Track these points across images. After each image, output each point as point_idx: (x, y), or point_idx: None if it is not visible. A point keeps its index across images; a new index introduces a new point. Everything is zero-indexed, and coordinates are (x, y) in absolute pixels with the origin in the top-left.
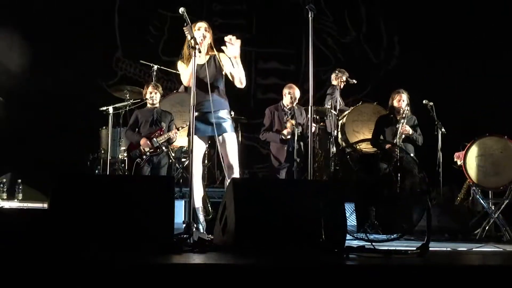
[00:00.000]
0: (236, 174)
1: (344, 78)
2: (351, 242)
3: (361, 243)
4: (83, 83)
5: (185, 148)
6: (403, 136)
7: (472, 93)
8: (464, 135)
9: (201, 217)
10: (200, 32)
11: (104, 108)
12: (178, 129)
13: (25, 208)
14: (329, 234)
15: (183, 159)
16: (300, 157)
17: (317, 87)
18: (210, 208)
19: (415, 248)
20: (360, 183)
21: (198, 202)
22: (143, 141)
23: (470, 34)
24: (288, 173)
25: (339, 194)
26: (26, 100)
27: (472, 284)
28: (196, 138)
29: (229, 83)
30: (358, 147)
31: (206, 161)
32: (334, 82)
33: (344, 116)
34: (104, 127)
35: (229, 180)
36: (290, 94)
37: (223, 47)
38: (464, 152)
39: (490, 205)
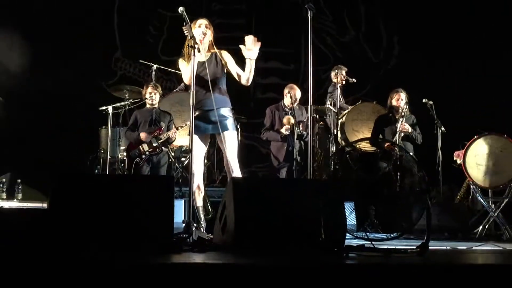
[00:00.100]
0: (237, 173)
1: (343, 73)
2: (351, 241)
3: (361, 242)
4: (82, 83)
5: (184, 148)
6: (402, 134)
7: (471, 92)
8: (463, 134)
9: (201, 216)
10: (201, 29)
11: (104, 107)
12: (177, 129)
13: (24, 208)
14: (328, 233)
15: (182, 159)
16: (300, 156)
17: (317, 86)
18: (209, 208)
19: (415, 247)
20: (360, 182)
21: (199, 202)
22: (143, 135)
23: (470, 34)
24: (288, 173)
25: (339, 193)
26: (25, 100)
27: (472, 283)
28: (197, 137)
29: (230, 82)
30: (357, 146)
31: (205, 160)
32: (334, 80)
33: (344, 115)
34: (103, 127)
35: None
36: (290, 95)
37: (241, 46)
38: (463, 151)
39: (490, 204)
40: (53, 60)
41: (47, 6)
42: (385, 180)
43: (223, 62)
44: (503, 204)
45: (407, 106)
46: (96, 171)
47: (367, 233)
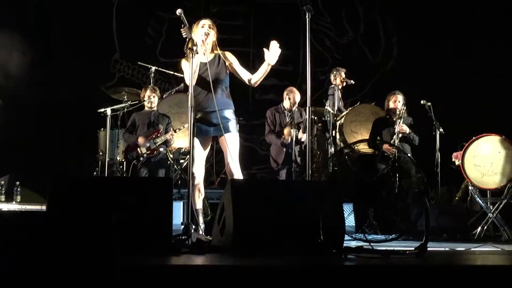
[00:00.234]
0: (237, 175)
1: (343, 75)
2: (350, 242)
3: (360, 243)
4: (81, 85)
5: (183, 150)
6: (400, 135)
7: (470, 93)
8: (462, 135)
9: (200, 218)
10: (204, 30)
11: (102, 109)
12: (175, 131)
13: (23, 210)
14: (327, 235)
15: (181, 161)
16: (300, 157)
17: (315, 88)
18: (208, 209)
19: (413, 248)
20: (358, 184)
21: (199, 204)
22: (141, 140)
23: (469, 34)
24: (288, 174)
25: (338, 194)
26: (24, 102)
27: (471, 284)
28: (198, 139)
29: (231, 83)
30: (356, 147)
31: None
32: (333, 82)
33: (342, 116)
34: (102, 129)
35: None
36: (289, 98)
37: (265, 49)
38: (462, 152)
39: (488, 205)
40: (52, 62)
41: (45, 8)
42: (384, 182)
43: (227, 63)
44: (501, 205)
45: (405, 107)
46: (95, 173)
47: (366, 235)
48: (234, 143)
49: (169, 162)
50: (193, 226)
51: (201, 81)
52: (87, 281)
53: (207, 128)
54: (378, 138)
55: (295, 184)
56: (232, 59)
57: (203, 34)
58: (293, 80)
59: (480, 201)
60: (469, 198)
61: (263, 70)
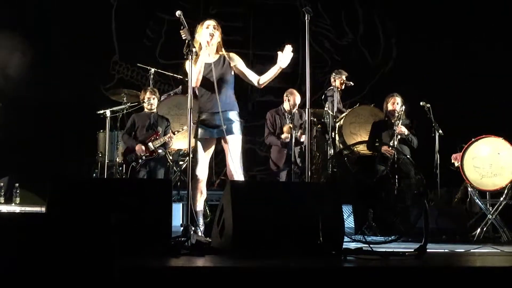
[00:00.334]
0: (239, 178)
1: (344, 78)
2: (349, 244)
3: (359, 245)
4: (80, 87)
5: (183, 151)
6: (399, 137)
7: (469, 94)
8: (461, 136)
9: (201, 220)
10: (209, 31)
11: (102, 111)
12: (174, 133)
13: (22, 212)
14: (326, 236)
15: (180, 162)
16: (300, 158)
17: (314, 89)
18: (207, 211)
19: (412, 250)
20: (358, 185)
21: (200, 205)
22: (138, 147)
23: (469, 35)
24: (288, 176)
25: (337, 196)
26: (24, 103)
27: (470, 286)
28: (202, 141)
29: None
30: (355, 149)
31: None
32: (333, 84)
33: (342, 118)
34: (101, 131)
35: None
36: (289, 100)
37: (279, 52)
38: (461, 153)
39: (488, 206)
40: (52, 62)
41: (45, 7)
42: (383, 183)
43: (232, 64)
44: (501, 207)
45: (403, 108)
46: (94, 175)
47: (365, 236)
48: (236, 145)
49: (168, 163)
50: (193, 228)
51: (206, 82)
52: (87, 282)
53: (210, 129)
54: (377, 140)
55: (294, 186)
56: (237, 61)
57: (208, 34)
58: (292, 82)
59: (479, 202)
60: (468, 199)
61: (273, 72)
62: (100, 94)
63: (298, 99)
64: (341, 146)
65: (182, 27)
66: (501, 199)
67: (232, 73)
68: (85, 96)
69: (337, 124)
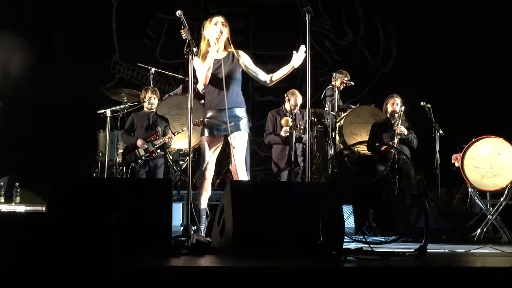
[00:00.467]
0: (242, 176)
1: (345, 80)
2: (349, 244)
3: (359, 245)
4: (80, 86)
5: (183, 151)
6: (399, 137)
7: (469, 94)
8: (461, 136)
9: (204, 218)
10: (217, 27)
11: (102, 111)
12: (174, 134)
13: (22, 211)
14: (327, 236)
15: (181, 162)
16: (303, 156)
17: (315, 89)
18: (208, 211)
19: (413, 250)
20: (358, 185)
21: (203, 203)
22: (139, 142)
23: (469, 35)
24: (289, 175)
25: (337, 196)
26: (24, 103)
27: (470, 286)
28: (208, 139)
29: None
30: (355, 149)
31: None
32: (333, 83)
33: (342, 118)
34: (101, 130)
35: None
36: (290, 100)
37: (294, 52)
38: (461, 154)
39: (488, 207)
40: (52, 62)
41: (45, 7)
42: (383, 183)
43: (240, 61)
44: (501, 207)
45: (403, 109)
46: (94, 174)
47: (365, 236)
48: (242, 143)
49: (169, 163)
50: (193, 228)
51: (214, 79)
52: (87, 282)
53: (218, 126)
54: (377, 141)
55: (294, 186)
56: (246, 58)
57: (216, 31)
58: (292, 82)
59: (479, 203)
60: (468, 200)
61: (286, 70)
62: (100, 94)
63: (299, 99)
64: (341, 146)
65: (182, 27)
66: (502, 199)
67: (240, 70)
68: (85, 96)
69: (338, 124)
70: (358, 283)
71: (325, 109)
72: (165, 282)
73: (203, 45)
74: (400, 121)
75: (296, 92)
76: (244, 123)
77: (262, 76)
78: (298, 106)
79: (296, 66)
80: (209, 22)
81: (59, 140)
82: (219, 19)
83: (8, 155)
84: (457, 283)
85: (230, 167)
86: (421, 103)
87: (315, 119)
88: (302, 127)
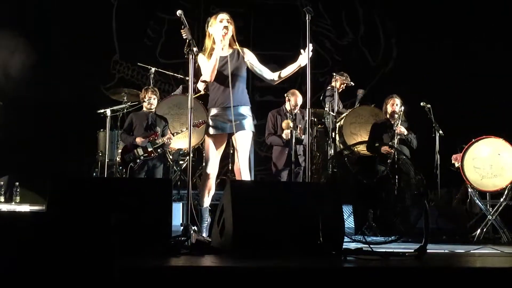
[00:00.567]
0: (245, 176)
1: (344, 81)
2: (349, 244)
3: (359, 245)
4: (81, 85)
5: (183, 151)
6: (399, 137)
7: (469, 94)
8: (461, 137)
9: (206, 217)
10: (223, 24)
11: (102, 110)
12: (173, 135)
13: (22, 211)
14: (327, 236)
15: (181, 162)
16: (304, 157)
17: (315, 90)
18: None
19: (413, 250)
20: (358, 185)
21: (206, 202)
22: (138, 140)
23: (469, 35)
24: (289, 176)
25: (337, 196)
26: (24, 103)
27: (470, 286)
28: (213, 138)
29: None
30: (355, 149)
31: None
32: (333, 84)
33: (342, 118)
34: (101, 130)
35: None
36: (290, 100)
37: (301, 50)
38: (461, 154)
39: (488, 207)
40: (52, 62)
41: (45, 7)
42: (383, 183)
43: (245, 59)
44: (501, 207)
45: (403, 108)
46: (94, 174)
47: (365, 236)
48: (246, 142)
49: (168, 163)
50: (193, 227)
51: (220, 76)
52: (87, 282)
53: (223, 125)
54: (377, 141)
55: (294, 186)
56: (250, 56)
57: (222, 28)
58: (292, 82)
59: (479, 203)
60: (468, 200)
61: (293, 68)
62: (100, 93)
63: (299, 99)
64: (341, 146)
65: (183, 27)
66: (501, 200)
67: (245, 68)
68: (85, 96)
69: (338, 124)
70: (358, 283)
71: (325, 109)
72: (165, 282)
73: (208, 42)
74: (400, 121)
75: (297, 92)
76: (249, 122)
77: (267, 74)
78: (299, 106)
79: (303, 65)
80: (214, 19)
81: (59, 140)
82: (224, 16)
83: (8, 155)
84: (457, 283)
85: (230, 167)
86: (421, 103)
87: (315, 119)
88: (301, 128)
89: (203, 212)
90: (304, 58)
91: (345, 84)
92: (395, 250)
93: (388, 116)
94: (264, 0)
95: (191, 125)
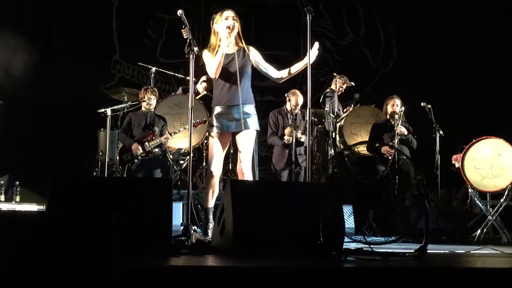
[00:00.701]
0: (248, 175)
1: (344, 86)
2: (349, 244)
3: (359, 245)
4: (81, 85)
5: (183, 150)
6: (399, 137)
7: (470, 94)
8: (462, 137)
9: (210, 217)
10: (228, 22)
11: (102, 110)
12: (171, 134)
13: (22, 210)
14: (327, 237)
15: (181, 161)
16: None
17: (315, 90)
18: None
19: (413, 251)
20: (358, 185)
21: (211, 202)
22: (134, 147)
23: (469, 35)
24: (289, 176)
25: (337, 196)
26: (24, 102)
27: (470, 287)
28: (216, 136)
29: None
30: (356, 149)
31: (205, 163)
32: (332, 86)
33: (342, 118)
34: (102, 129)
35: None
36: (291, 100)
37: (309, 49)
38: (462, 154)
39: (488, 207)
40: (52, 62)
41: (45, 7)
42: (383, 183)
43: (251, 57)
44: (501, 208)
45: (403, 109)
46: (94, 173)
47: (365, 237)
48: (250, 141)
49: (168, 163)
50: (193, 227)
51: (225, 73)
52: (87, 282)
53: (228, 123)
54: (377, 141)
55: (294, 186)
56: (256, 54)
57: (228, 26)
58: (293, 82)
59: (479, 203)
60: (468, 200)
61: (299, 67)
62: (100, 93)
63: (300, 99)
64: (341, 146)
65: (183, 26)
66: (502, 200)
67: (251, 65)
68: (85, 96)
69: (338, 124)
70: (358, 284)
71: (325, 109)
72: (165, 282)
73: (213, 39)
74: (400, 121)
75: (297, 92)
76: (253, 121)
77: (273, 72)
78: (299, 106)
79: (308, 63)
80: (220, 16)
81: (60, 139)
82: (229, 13)
83: (8, 154)
84: (457, 283)
85: (230, 167)
86: (422, 104)
87: (316, 119)
88: (302, 131)
89: (208, 213)
90: (312, 55)
91: (345, 85)
92: (395, 251)
93: (388, 116)
94: (265, 0)
95: (192, 125)
